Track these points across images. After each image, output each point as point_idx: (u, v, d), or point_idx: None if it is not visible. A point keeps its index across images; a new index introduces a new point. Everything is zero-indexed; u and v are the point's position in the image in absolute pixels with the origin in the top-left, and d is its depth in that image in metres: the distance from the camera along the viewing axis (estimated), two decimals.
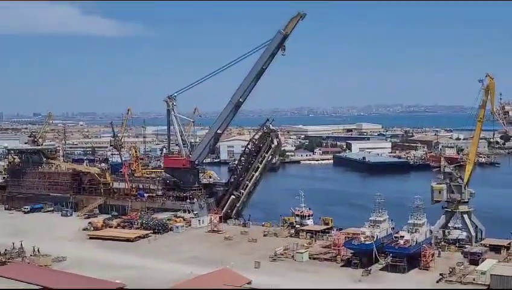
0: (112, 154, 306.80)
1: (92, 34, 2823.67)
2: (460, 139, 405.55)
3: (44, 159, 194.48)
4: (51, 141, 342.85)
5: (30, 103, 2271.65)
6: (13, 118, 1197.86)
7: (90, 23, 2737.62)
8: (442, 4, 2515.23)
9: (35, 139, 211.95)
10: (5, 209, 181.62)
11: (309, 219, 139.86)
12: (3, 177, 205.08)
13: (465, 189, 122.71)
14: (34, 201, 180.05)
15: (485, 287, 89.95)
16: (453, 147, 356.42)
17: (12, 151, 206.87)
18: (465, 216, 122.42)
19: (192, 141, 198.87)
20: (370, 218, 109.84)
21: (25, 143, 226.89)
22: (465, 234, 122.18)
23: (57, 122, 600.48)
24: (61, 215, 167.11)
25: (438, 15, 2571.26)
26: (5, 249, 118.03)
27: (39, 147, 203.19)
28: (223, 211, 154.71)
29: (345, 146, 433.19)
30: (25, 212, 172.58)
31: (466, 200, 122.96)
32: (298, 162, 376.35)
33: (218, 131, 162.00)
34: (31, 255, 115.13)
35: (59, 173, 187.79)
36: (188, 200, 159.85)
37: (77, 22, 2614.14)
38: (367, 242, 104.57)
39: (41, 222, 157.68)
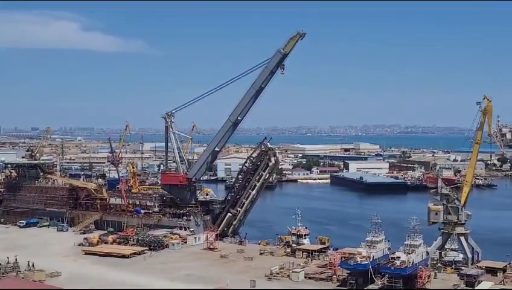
0: (109, 170, 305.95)
1: (92, 50, 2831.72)
2: (457, 160, 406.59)
3: (41, 174, 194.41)
4: (48, 156, 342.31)
5: (28, 117, 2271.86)
6: (11, 132, 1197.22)
7: (90, 38, 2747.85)
8: (441, 26, 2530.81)
9: (33, 154, 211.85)
10: (1, 223, 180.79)
11: (305, 238, 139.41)
12: (0, 191, 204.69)
13: (462, 211, 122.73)
14: (30, 216, 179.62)
15: None
16: (450, 169, 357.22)
17: (9, 165, 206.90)
18: (462, 238, 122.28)
19: (190, 158, 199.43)
20: (366, 238, 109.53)
21: (23, 157, 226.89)
22: (461, 255, 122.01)
23: (54, 137, 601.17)
24: (57, 230, 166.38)
25: (436, 37, 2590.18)
26: (0, 264, 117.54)
27: (36, 162, 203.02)
28: (220, 228, 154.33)
29: (342, 166, 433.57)
30: (21, 227, 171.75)
31: (463, 222, 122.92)
32: (295, 181, 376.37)
33: (216, 148, 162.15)
34: (25, 270, 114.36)
35: (56, 188, 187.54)
36: (185, 217, 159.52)
37: (77, 38, 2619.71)
38: (363, 262, 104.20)
39: (37, 237, 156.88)
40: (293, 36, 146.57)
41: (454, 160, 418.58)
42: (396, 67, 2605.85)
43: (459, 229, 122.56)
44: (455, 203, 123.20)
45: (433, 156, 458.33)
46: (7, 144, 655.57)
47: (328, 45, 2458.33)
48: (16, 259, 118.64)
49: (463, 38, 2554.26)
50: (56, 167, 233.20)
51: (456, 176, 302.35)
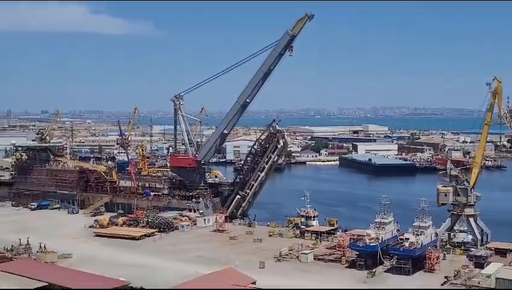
0: (119, 153, 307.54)
1: (100, 33, 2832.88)
2: (467, 142, 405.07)
3: (52, 157, 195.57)
4: (58, 139, 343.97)
5: (38, 100, 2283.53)
6: (21, 115, 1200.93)
7: (97, 21, 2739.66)
8: (450, 6, 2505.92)
9: (43, 137, 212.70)
10: (12, 205, 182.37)
11: (314, 219, 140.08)
12: (11, 174, 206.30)
13: (471, 192, 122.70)
14: (41, 198, 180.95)
15: None
16: (459, 150, 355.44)
17: (20, 148, 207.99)
18: (471, 219, 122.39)
19: (199, 140, 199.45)
20: (375, 220, 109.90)
21: (33, 140, 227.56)
22: (470, 237, 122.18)
23: (64, 120, 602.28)
24: (68, 212, 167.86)
25: (445, 18, 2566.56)
26: (12, 246, 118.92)
27: (46, 145, 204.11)
28: (229, 210, 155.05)
29: (351, 147, 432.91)
30: (32, 209, 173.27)
31: (472, 203, 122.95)
32: (304, 163, 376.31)
33: (225, 131, 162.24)
34: (37, 252, 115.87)
35: (66, 171, 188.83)
36: (194, 200, 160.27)
37: (85, 21, 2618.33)
38: (372, 244, 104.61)
39: (48, 219, 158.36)
40: (301, 18, 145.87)
41: (464, 141, 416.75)
42: (405, 50, 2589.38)
43: (468, 211, 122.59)
44: (464, 185, 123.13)
45: (442, 137, 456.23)
46: (17, 127, 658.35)
47: (337, 29, 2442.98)
48: (28, 241, 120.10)
49: (473, 20, 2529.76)
50: (66, 149, 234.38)
51: (465, 157, 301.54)
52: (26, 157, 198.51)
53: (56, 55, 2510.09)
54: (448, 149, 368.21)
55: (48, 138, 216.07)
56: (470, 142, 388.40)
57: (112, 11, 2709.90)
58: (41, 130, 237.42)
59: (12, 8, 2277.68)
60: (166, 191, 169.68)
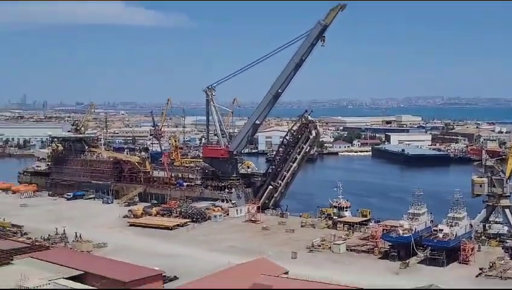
0: (152, 144, 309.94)
1: (134, 25, 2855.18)
2: (503, 132, 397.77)
3: (87, 147, 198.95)
4: (92, 130, 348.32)
5: (73, 92, 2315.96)
6: (57, 106, 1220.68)
7: (132, 13, 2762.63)
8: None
9: (78, 128, 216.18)
10: (49, 195, 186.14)
11: (347, 210, 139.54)
12: (47, 165, 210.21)
13: (507, 183, 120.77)
14: (76, 188, 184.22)
15: None
16: (495, 140, 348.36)
17: (55, 139, 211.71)
18: (507, 211, 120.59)
19: (231, 131, 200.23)
20: (409, 211, 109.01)
21: (68, 131, 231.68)
22: (506, 228, 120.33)
23: (98, 111, 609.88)
24: (102, 202, 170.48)
25: (479, 6, 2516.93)
26: (49, 235, 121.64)
27: (81, 135, 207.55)
28: (261, 201, 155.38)
29: (384, 138, 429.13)
30: (68, 199, 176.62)
31: (508, 194, 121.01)
32: (336, 153, 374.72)
33: (257, 122, 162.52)
34: (73, 241, 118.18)
35: (100, 161, 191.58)
36: (226, 190, 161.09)
37: (119, 12, 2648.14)
38: (405, 235, 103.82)
39: (83, 209, 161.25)
40: (334, 7, 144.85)
41: (500, 132, 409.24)
42: (439, 40, 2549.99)
43: (504, 202, 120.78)
44: (500, 176, 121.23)
45: (477, 127, 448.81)
46: (53, 119, 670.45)
47: (370, 19, 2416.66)
48: (64, 230, 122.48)
49: (508, 8, 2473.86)
50: (100, 140, 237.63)
51: (500, 147, 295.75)
52: (62, 148, 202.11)
53: (91, 47, 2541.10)
54: (484, 139, 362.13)
55: (82, 129, 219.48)
56: (505, 132, 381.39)
57: (146, 4, 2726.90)
58: (76, 122, 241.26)
59: (45, 1, 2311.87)
60: (199, 182, 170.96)
